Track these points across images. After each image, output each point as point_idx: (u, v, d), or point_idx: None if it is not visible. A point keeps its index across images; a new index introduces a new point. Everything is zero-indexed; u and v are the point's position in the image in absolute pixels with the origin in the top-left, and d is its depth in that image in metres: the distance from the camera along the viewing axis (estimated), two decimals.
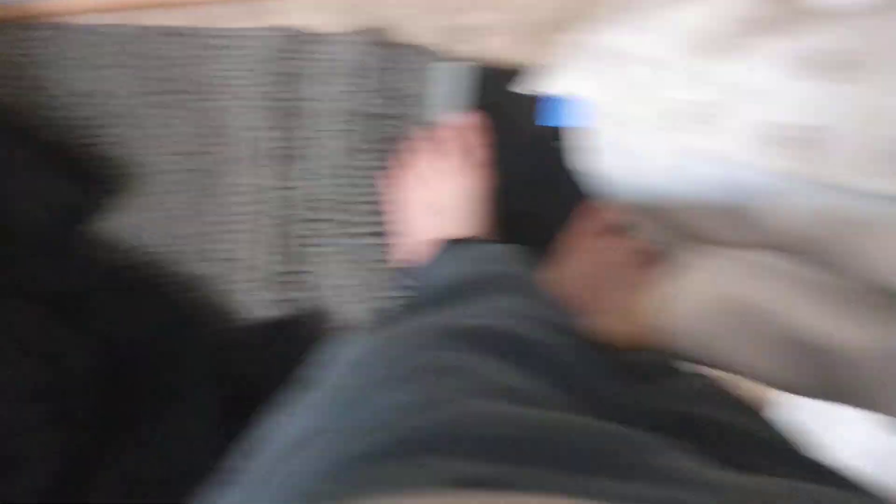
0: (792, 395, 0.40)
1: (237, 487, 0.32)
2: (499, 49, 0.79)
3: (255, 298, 0.78)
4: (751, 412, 0.41)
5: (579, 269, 0.76)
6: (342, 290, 0.77)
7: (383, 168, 0.78)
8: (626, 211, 0.53)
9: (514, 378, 0.35)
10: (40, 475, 0.67)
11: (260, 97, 0.76)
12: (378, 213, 0.77)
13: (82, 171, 0.75)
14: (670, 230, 0.51)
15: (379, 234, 0.77)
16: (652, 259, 0.77)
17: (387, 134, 0.78)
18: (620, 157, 0.51)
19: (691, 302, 0.42)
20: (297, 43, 0.77)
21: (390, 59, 0.77)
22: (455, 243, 0.72)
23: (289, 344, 0.74)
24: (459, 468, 0.27)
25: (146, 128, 0.77)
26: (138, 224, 0.77)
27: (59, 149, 0.75)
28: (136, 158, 0.77)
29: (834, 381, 0.40)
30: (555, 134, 0.78)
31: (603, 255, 0.77)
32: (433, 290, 0.50)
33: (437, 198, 0.76)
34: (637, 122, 0.47)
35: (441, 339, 0.37)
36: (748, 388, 0.44)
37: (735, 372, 0.40)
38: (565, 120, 0.76)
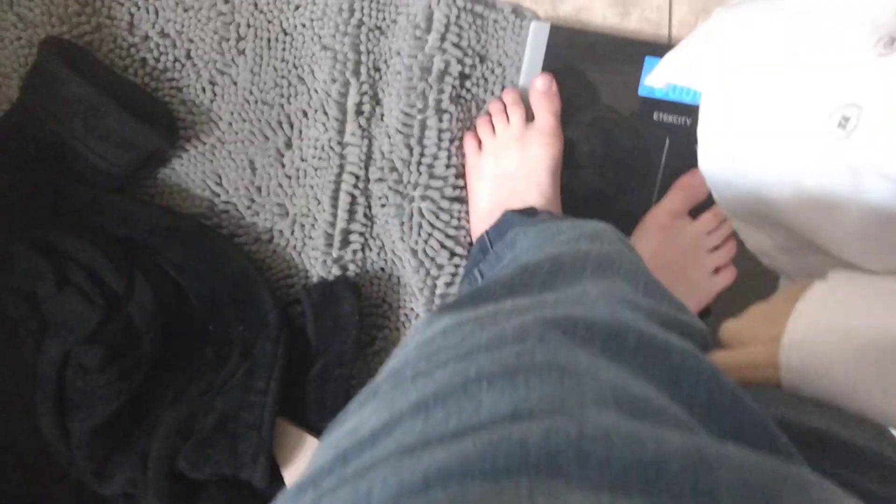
0: None
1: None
2: (586, 10, 0.75)
3: (320, 256, 0.77)
4: (879, 432, 0.34)
5: (649, 248, 0.73)
6: (409, 253, 0.75)
7: (460, 131, 0.75)
8: (735, 215, 0.45)
9: (634, 385, 0.29)
10: (97, 414, 0.68)
11: (342, 49, 0.75)
12: (452, 176, 0.75)
13: (163, 115, 0.75)
14: (787, 243, 0.43)
15: (452, 199, 0.75)
16: (726, 243, 0.73)
17: (466, 96, 0.76)
18: (730, 158, 0.43)
19: (814, 333, 0.35)
20: None
21: (475, 17, 0.74)
22: (521, 213, 0.69)
23: (351, 305, 0.73)
24: (578, 498, 0.22)
25: (231, 74, 0.76)
26: (217, 172, 0.77)
27: (141, 91, 0.76)
28: (220, 105, 0.77)
29: None
30: (650, 109, 0.74)
31: (675, 236, 0.74)
32: (516, 268, 0.43)
33: (503, 165, 0.73)
34: (756, 121, 0.39)
35: (547, 329, 0.31)
36: None
37: (865, 414, 0.34)
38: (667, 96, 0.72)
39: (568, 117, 0.74)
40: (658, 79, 0.46)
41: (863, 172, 0.32)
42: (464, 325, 0.34)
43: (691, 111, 0.74)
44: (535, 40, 0.74)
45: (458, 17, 0.73)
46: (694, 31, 0.44)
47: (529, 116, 0.74)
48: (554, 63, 0.74)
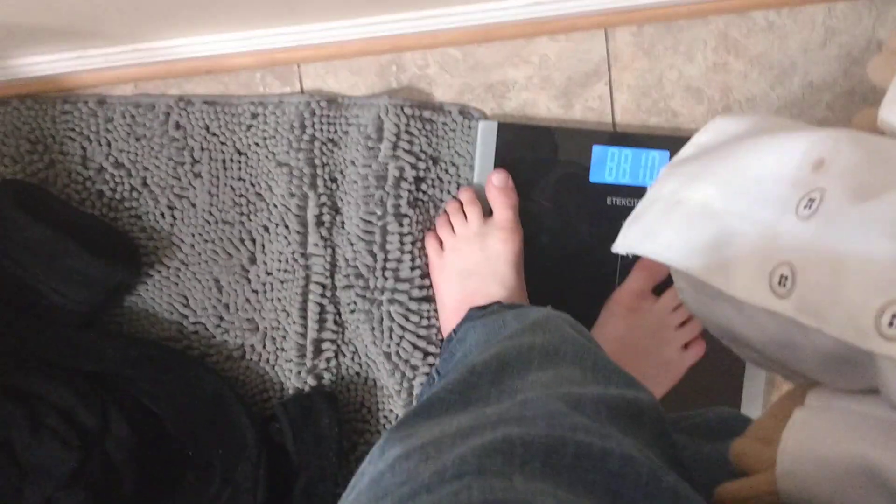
0: None
1: None
2: (530, 105, 0.77)
3: (294, 367, 0.77)
4: None
5: (617, 331, 0.75)
6: (382, 356, 0.76)
7: (421, 232, 0.77)
8: (720, 338, 0.46)
9: None
10: None
11: (297, 164, 0.76)
12: (418, 277, 0.76)
13: (125, 245, 0.76)
14: (768, 364, 0.45)
15: (420, 300, 0.76)
16: (692, 319, 0.75)
17: (422, 198, 0.77)
18: (699, 300, 0.44)
19: (799, 463, 0.36)
20: (330, 108, 0.76)
21: (424, 122, 0.76)
22: (485, 309, 0.70)
23: (329, 417, 0.73)
24: None
25: (189, 197, 0.77)
26: (183, 294, 0.77)
27: (100, 223, 0.76)
28: (181, 228, 0.77)
29: None
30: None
31: (641, 316, 0.75)
32: (465, 371, 0.46)
33: (466, 262, 0.74)
34: (709, 275, 0.40)
35: (485, 458, 0.34)
36: None
37: None
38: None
39: (524, 209, 0.76)
40: (621, 250, 0.48)
41: (808, 328, 0.34)
42: (411, 457, 0.36)
43: (643, 193, 0.76)
44: (485, 138, 0.76)
45: (407, 124, 0.75)
46: (643, 199, 0.46)
47: (486, 212, 0.75)
48: (505, 158, 0.76)
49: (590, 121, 0.77)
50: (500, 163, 0.76)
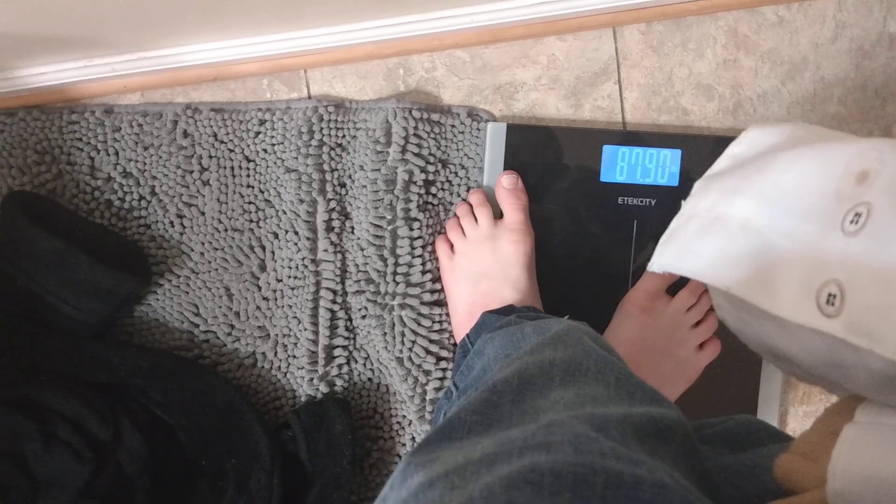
0: None
1: None
2: (539, 106, 0.77)
3: (306, 374, 0.77)
4: None
5: (632, 332, 0.74)
6: (395, 362, 0.75)
7: (431, 236, 0.76)
8: (760, 353, 0.45)
9: None
10: None
11: (305, 170, 0.75)
12: (429, 282, 0.76)
13: (134, 255, 0.75)
14: (815, 382, 0.43)
15: (431, 304, 0.76)
16: (707, 318, 0.74)
17: (433, 201, 0.76)
18: (741, 319, 0.43)
19: (852, 482, 0.35)
20: (338, 112, 0.76)
21: (433, 125, 0.75)
22: (499, 314, 0.69)
23: (343, 424, 0.73)
24: None
25: (198, 205, 0.77)
26: (193, 303, 0.77)
27: (109, 233, 0.76)
28: (190, 236, 0.77)
29: None
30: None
31: (656, 317, 0.74)
32: (486, 390, 0.45)
33: (477, 265, 0.74)
34: (753, 296, 0.39)
35: (513, 490, 0.33)
36: None
37: None
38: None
39: (534, 210, 0.75)
40: (657, 269, 0.46)
41: (860, 348, 0.33)
42: (435, 486, 0.35)
43: (654, 192, 0.75)
44: (494, 140, 0.75)
45: (415, 127, 0.74)
46: (678, 215, 0.45)
47: (497, 214, 0.75)
48: (514, 160, 0.75)
49: (599, 120, 0.77)
50: (509, 164, 0.75)
